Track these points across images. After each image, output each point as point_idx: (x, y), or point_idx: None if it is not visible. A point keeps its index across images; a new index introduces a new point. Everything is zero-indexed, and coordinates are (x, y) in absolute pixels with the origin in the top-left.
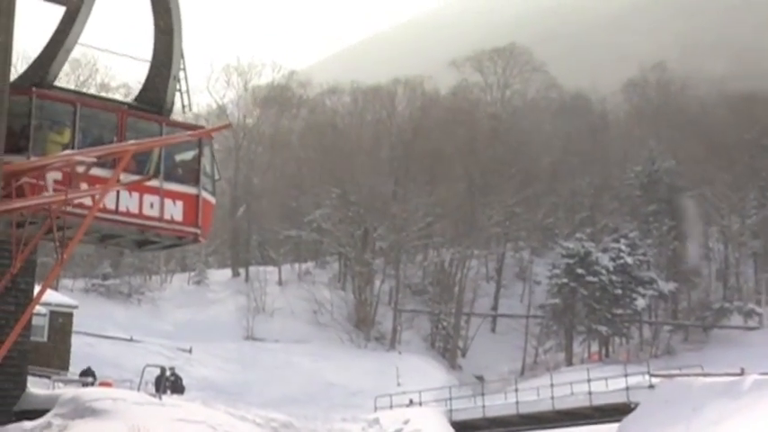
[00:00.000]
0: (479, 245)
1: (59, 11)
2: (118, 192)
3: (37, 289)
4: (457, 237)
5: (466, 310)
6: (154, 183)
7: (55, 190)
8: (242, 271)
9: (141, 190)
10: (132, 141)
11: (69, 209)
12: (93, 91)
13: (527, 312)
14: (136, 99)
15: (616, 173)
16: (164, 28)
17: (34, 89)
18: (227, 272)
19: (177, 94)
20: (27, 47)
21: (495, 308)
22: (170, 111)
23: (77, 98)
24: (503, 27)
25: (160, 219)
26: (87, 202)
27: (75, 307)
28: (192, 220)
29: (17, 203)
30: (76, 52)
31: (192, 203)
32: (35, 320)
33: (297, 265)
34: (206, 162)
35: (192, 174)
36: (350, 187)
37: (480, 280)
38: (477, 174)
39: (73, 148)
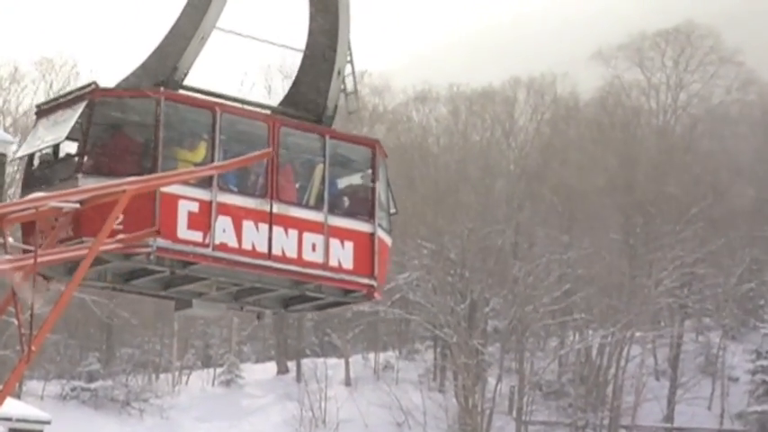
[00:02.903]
0: (643, 323)
1: None
2: (270, 229)
3: None
4: (610, 312)
5: (625, 421)
6: (317, 216)
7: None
8: (291, 365)
9: (301, 227)
10: (180, 170)
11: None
12: None
13: (719, 425)
14: (282, 102)
15: None
16: (325, 4)
17: (163, 90)
18: (271, 367)
19: (340, 96)
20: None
21: (669, 418)
22: (332, 118)
23: (216, 103)
24: (669, 3)
25: (324, 266)
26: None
27: (48, 422)
28: (365, 267)
29: None
30: (51, 50)
31: (366, 245)
32: None
33: (372, 356)
34: (381, 189)
35: (363, 205)
36: (450, 239)
37: (646, 376)
38: (639, 217)
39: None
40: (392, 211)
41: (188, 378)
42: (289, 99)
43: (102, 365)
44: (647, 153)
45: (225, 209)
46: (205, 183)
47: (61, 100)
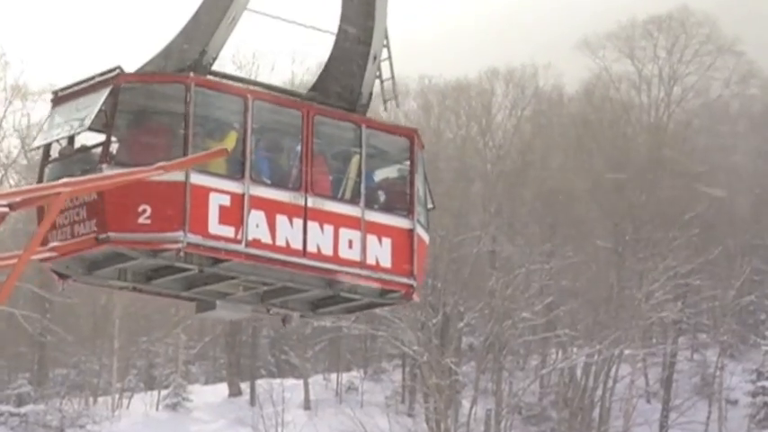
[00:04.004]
0: (633, 340)
1: None
2: (305, 224)
3: None
4: (596, 327)
5: None
6: (353, 211)
7: None
8: (245, 387)
9: (336, 222)
10: (106, 173)
11: None
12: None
13: None
14: (311, 89)
15: None
16: None
17: (192, 75)
18: (222, 388)
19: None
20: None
21: None
22: (366, 106)
23: (248, 89)
24: None
25: (362, 264)
26: None
27: None
28: (404, 266)
29: None
30: None
31: (404, 242)
32: None
33: (334, 377)
34: (419, 183)
35: (401, 199)
36: None
37: (636, 398)
38: (629, 223)
39: (243, 160)
40: (430, 206)
41: (129, 402)
42: (318, 86)
43: (33, 388)
44: (638, 152)
45: (258, 202)
46: (237, 174)
47: (81, 86)
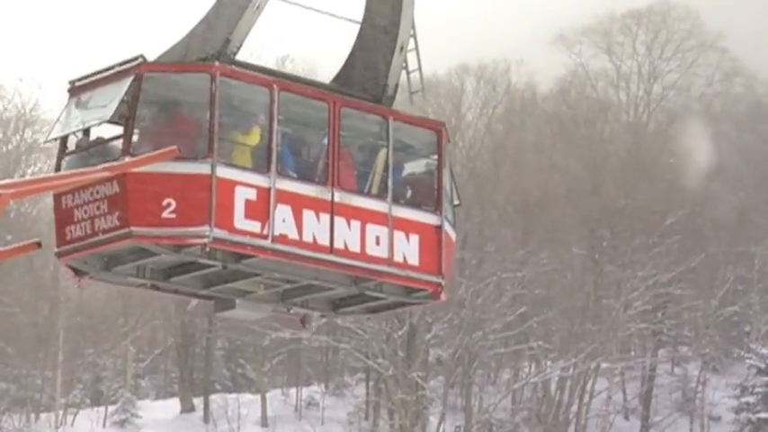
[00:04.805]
0: (611, 353)
1: None
2: (332, 219)
3: None
4: (572, 339)
5: None
6: (381, 206)
7: None
8: (198, 402)
9: (363, 217)
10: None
11: None
12: None
13: None
14: (334, 80)
15: None
16: None
17: (218, 64)
18: (173, 404)
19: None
20: None
21: None
22: (392, 98)
23: (273, 80)
24: None
25: (389, 261)
26: None
27: None
28: (432, 264)
29: None
30: None
31: (432, 239)
32: None
33: (294, 392)
34: (445, 178)
35: (428, 195)
36: None
37: (614, 414)
38: (606, 229)
39: (269, 153)
40: (456, 202)
41: (74, 418)
42: (342, 77)
43: None
44: (616, 154)
45: (284, 196)
46: (262, 167)
47: (100, 75)
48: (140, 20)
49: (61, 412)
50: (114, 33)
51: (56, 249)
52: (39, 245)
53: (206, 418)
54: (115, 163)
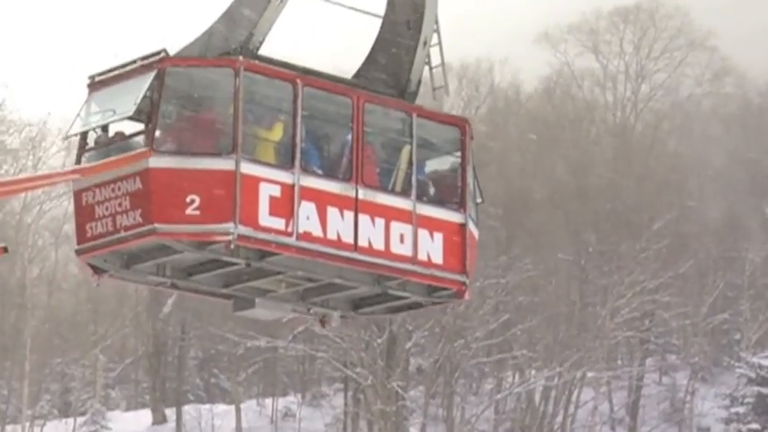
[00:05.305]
0: (597, 362)
1: None
2: (356, 217)
3: None
4: (557, 348)
5: None
6: (405, 204)
7: None
8: (170, 413)
9: (388, 215)
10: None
11: None
12: None
13: None
14: (355, 75)
15: None
16: None
17: (241, 59)
18: (145, 415)
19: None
20: None
21: None
22: (415, 94)
23: (297, 75)
24: None
25: (414, 260)
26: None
27: None
28: (456, 262)
29: None
30: None
31: (456, 237)
32: None
33: (270, 402)
34: (469, 175)
35: (452, 192)
36: None
37: (600, 425)
38: (592, 234)
39: (293, 149)
40: (478, 200)
41: (42, 430)
42: (363, 72)
43: None
44: (602, 156)
45: (308, 193)
46: (286, 163)
47: (121, 70)
48: (108, 19)
49: (28, 424)
50: (82, 33)
51: (76, 247)
52: (5, 249)
53: (178, 429)
54: (85, 165)
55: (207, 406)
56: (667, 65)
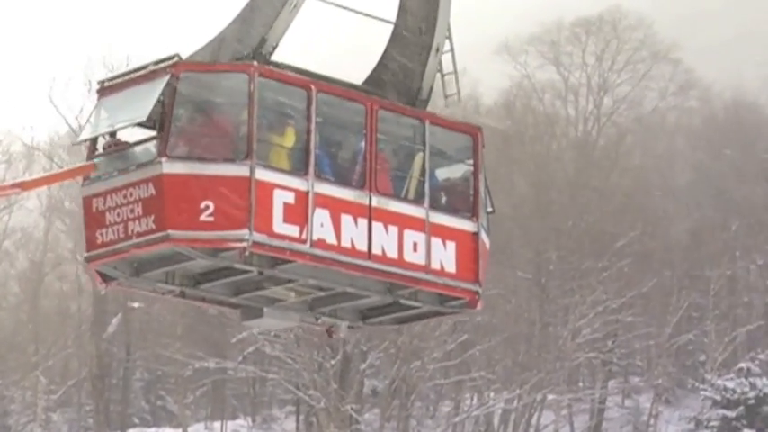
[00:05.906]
0: (558, 384)
1: None
2: (370, 224)
3: None
4: (516, 369)
5: None
6: (418, 212)
7: None
8: None
9: (401, 223)
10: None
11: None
12: None
13: None
14: (366, 82)
15: None
16: None
17: (256, 64)
18: None
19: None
20: None
21: None
22: (426, 102)
23: (311, 81)
24: None
25: (427, 268)
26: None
27: None
28: (469, 271)
29: None
30: None
31: (469, 246)
32: None
33: (218, 425)
34: (481, 184)
35: (464, 201)
36: None
37: None
38: (553, 251)
39: (306, 155)
40: (489, 209)
41: None
42: (374, 78)
43: None
44: (564, 171)
45: (322, 200)
46: (300, 170)
47: (133, 75)
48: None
49: None
50: (64, 36)
51: (85, 254)
52: None
53: None
54: (27, 178)
55: (153, 429)
56: (631, 77)
